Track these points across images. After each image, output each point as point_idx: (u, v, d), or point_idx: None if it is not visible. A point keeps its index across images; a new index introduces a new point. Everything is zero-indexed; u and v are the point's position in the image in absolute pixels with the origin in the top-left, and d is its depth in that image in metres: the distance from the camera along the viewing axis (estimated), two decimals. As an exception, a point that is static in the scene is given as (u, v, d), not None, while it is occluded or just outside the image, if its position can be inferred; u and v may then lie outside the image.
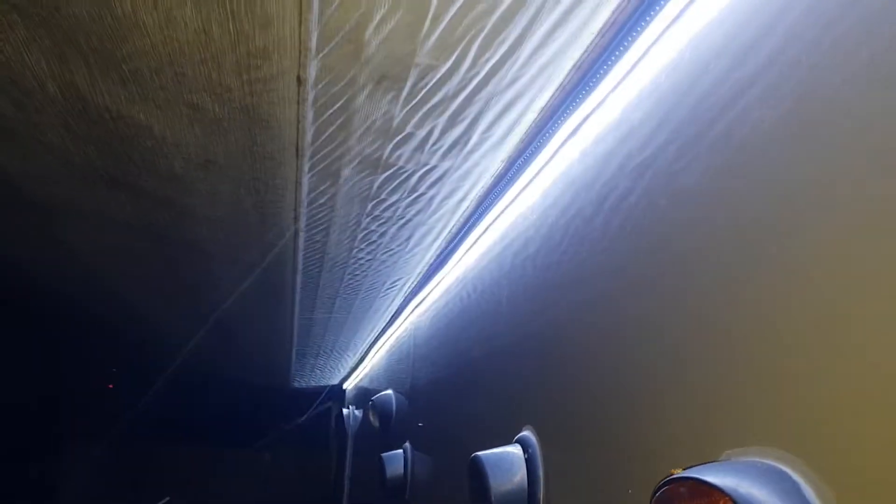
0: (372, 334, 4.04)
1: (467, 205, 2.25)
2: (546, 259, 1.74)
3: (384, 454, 3.07)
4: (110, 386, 9.84)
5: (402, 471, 2.91)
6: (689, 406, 1.02)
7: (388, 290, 3.20)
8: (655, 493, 0.87)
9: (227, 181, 2.07)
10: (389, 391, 3.49)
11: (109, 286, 3.46)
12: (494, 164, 1.95)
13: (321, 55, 1.39)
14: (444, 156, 1.89)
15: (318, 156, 1.84)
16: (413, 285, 3.13)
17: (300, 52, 1.38)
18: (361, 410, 5.15)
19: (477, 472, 1.52)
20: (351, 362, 5.20)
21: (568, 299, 1.55)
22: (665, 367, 1.11)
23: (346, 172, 1.96)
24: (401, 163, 1.91)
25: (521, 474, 1.44)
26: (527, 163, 1.88)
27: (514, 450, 1.49)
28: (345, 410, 6.16)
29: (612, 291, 1.33)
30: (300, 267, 2.84)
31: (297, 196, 2.12)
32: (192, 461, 9.67)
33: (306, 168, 1.92)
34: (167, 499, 8.44)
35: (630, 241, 1.29)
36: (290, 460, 9.50)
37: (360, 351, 4.66)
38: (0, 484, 8.25)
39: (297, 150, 1.80)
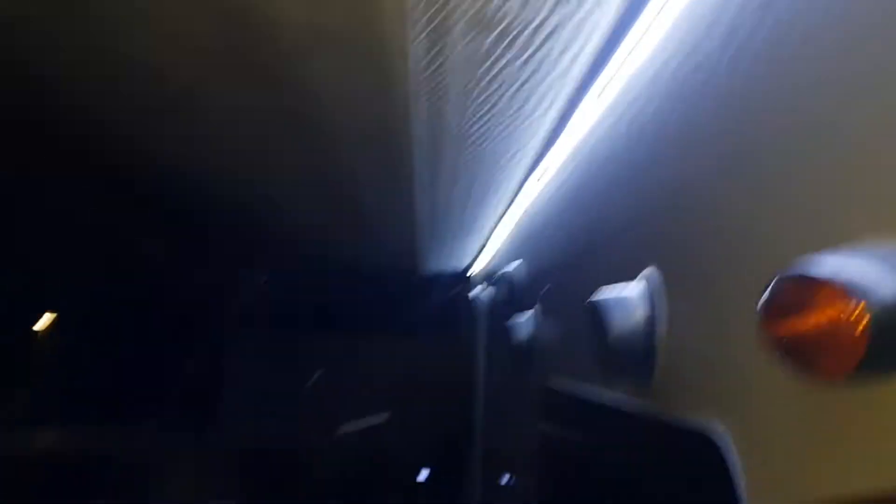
0: (496, 212, 4.08)
1: (583, 62, 2.19)
2: (669, 116, 1.69)
3: (512, 322, 3.17)
4: (265, 280, 10.50)
5: (529, 334, 3.00)
6: (803, 215, 0.99)
7: (508, 163, 3.21)
8: (764, 294, 0.86)
9: (342, 54, 2.12)
10: (515, 264, 3.56)
11: (244, 174, 3.67)
12: (609, 11, 1.88)
13: None
14: (553, 8, 1.84)
15: (426, 17, 1.84)
16: (533, 156, 3.12)
17: None
18: (489, 289, 5.29)
19: (596, 316, 1.56)
20: (476, 244, 5.30)
21: (693, 151, 1.51)
22: (783, 191, 1.08)
23: (455, 34, 1.96)
24: (509, 19, 1.88)
25: (640, 314, 1.46)
26: (642, 5, 1.80)
27: (635, 290, 1.51)
28: (473, 292, 6.36)
29: (739, 143, 1.29)
30: (419, 142, 2.90)
31: (409, 64, 2.14)
32: (331, 349, 10.35)
33: (416, 32, 1.93)
34: (320, 371, 9.12)
35: (759, 85, 1.23)
36: (423, 344, 9.95)
37: (484, 231, 4.73)
38: (159, 378, 9.16)
39: (404, 12, 1.81)
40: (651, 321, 1.44)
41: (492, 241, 4.96)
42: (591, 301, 1.60)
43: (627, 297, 1.50)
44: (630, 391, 1.58)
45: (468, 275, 6.84)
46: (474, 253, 5.71)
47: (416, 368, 10.22)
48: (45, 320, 10.70)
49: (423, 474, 9.40)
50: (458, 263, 6.42)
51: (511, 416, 4.23)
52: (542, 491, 3.16)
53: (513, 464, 4.19)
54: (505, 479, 4.68)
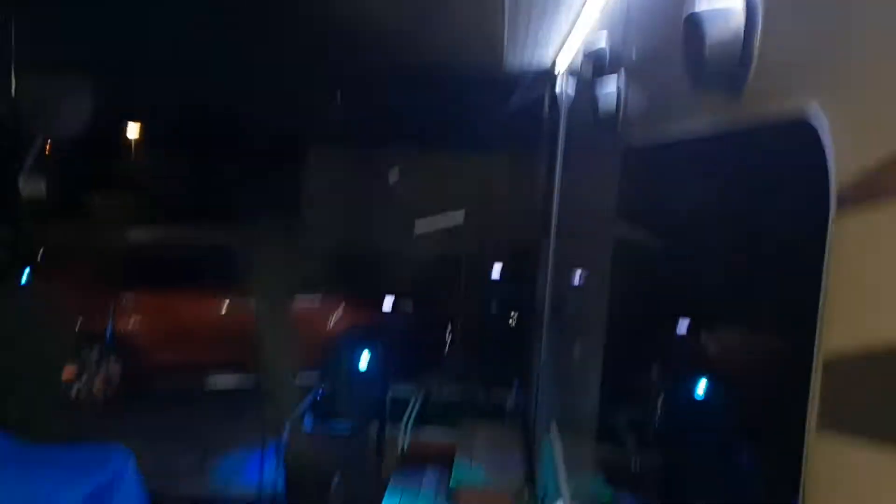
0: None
1: None
2: None
3: (596, 92, 3.04)
4: (339, 94, 10.42)
5: (615, 100, 2.88)
6: None
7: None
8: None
9: None
10: (603, 37, 3.36)
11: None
12: None
13: None
14: None
15: None
16: None
17: None
18: (572, 79, 5.06)
19: (692, 28, 1.46)
20: (565, 26, 4.98)
21: None
22: None
23: None
24: None
25: (738, 16, 1.36)
26: None
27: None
28: (558, 87, 6.10)
29: None
30: None
31: None
32: (409, 159, 10.43)
33: None
34: (396, 177, 9.29)
35: None
36: (502, 149, 9.76)
37: (574, 8, 4.43)
38: (249, 192, 9.63)
39: None
40: (750, 20, 1.34)
41: (581, 21, 4.66)
42: (687, 14, 1.50)
43: (724, 11, 1.40)
44: (723, 103, 1.51)
45: (554, 70, 6.49)
46: (562, 39, 5.38)
47: (494, 174, 10.20)
48: (152, 133, 11.51)
49: (496, 272, 9.71)
50: (544, 54, 6.05)
51: (591, 202, 4.20)
52: (618, 273, 3.20)
53: (588, 257, 4.22)
54: (577, 275, 4.77)
